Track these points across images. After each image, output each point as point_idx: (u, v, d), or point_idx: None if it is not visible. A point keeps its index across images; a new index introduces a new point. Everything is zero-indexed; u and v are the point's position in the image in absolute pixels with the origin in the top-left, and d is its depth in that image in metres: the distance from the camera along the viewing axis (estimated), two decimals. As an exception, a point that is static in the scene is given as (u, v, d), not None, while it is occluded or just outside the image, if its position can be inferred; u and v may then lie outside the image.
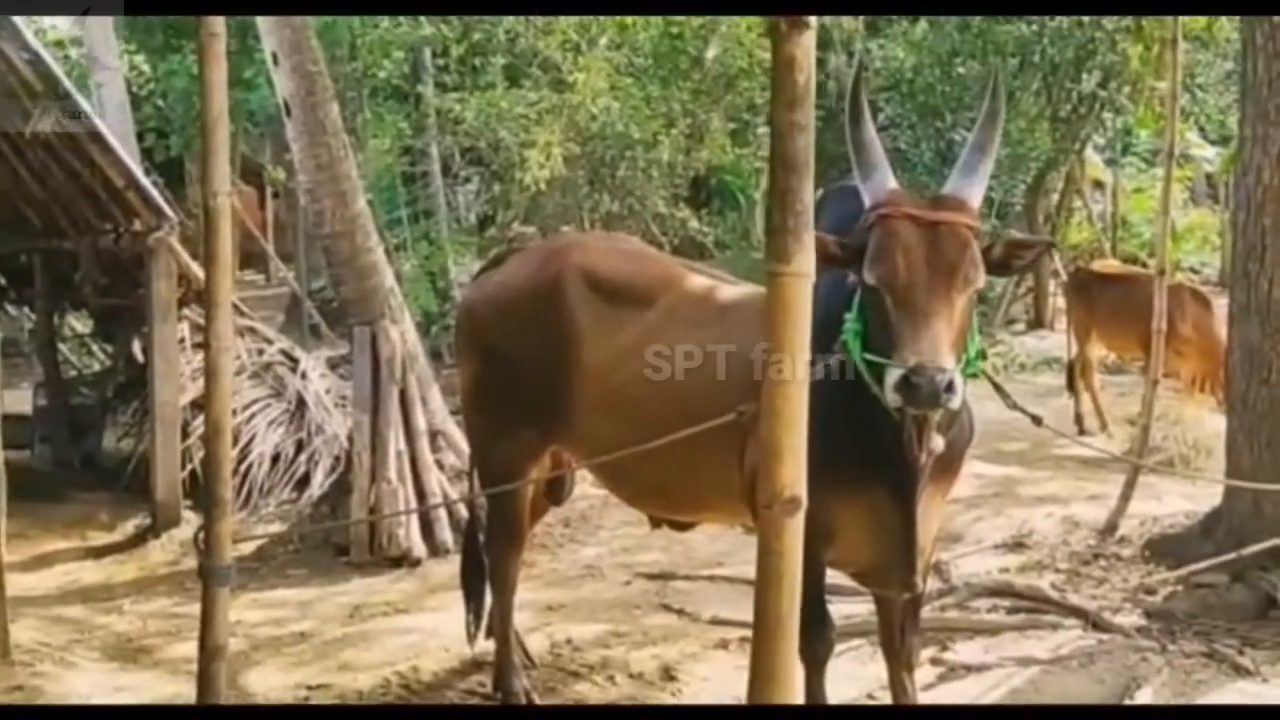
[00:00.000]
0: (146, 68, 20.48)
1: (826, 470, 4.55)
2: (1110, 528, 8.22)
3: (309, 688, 6.16)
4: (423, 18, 14.87)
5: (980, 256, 4.12)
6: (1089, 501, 9.03)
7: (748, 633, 6.48)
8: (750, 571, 7.59)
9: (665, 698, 5.94)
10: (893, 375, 3.90)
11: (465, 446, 8.76)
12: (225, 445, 4.26)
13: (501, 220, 15.34)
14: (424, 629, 6.92)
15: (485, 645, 6.18)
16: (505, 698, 5.77)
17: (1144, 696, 5.70)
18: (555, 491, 6.11)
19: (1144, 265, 14.95)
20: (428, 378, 8.77)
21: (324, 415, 9.71)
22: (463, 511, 8.38)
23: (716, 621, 6.84)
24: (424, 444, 8.46)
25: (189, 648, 6.76)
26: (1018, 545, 8.13)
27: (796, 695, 2.84)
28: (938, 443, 4.26)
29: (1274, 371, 7.08)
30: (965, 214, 4.16)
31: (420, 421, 8.48)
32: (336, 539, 8.27)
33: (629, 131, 13.25)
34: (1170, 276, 9.33)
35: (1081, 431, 10.98)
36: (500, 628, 5.90)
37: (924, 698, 5.26)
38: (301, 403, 9.78)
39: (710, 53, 14.84)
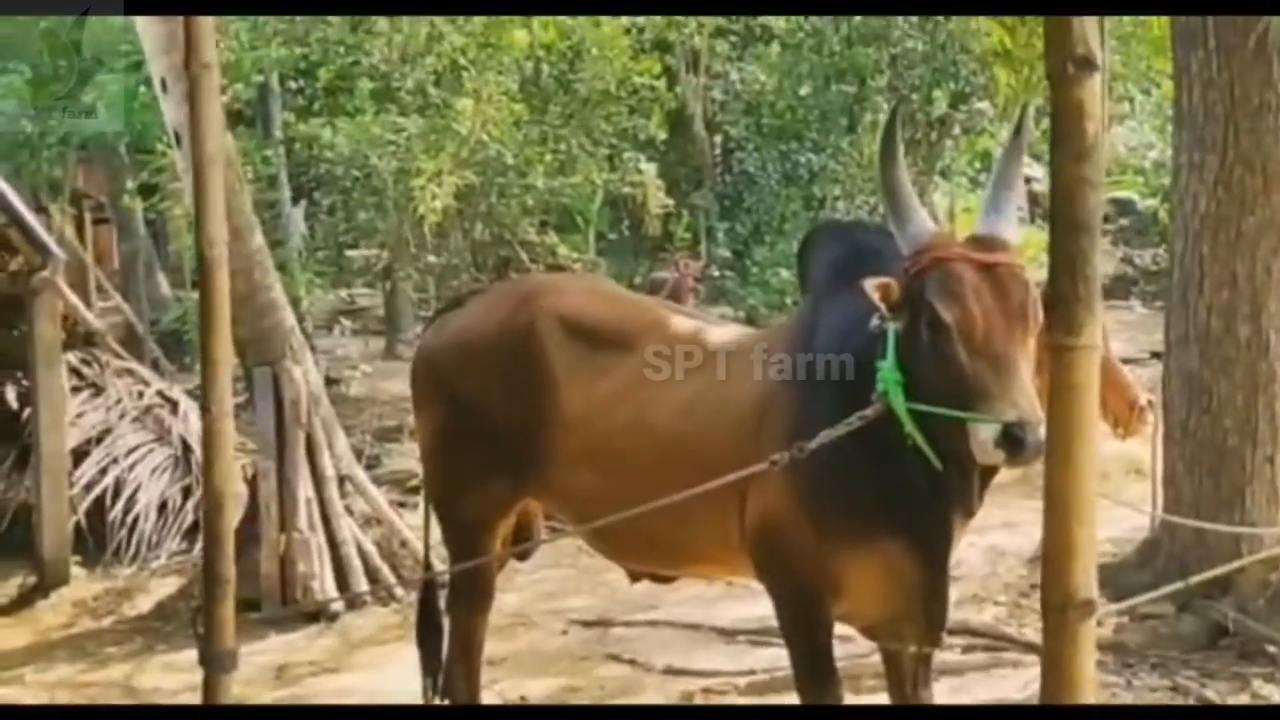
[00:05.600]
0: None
1: (848, 524, 4.41)
2: (1037, 557, 8.13)
3: (255, 762, 5.77)
4: (273, 41, 14.38)
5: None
6: (1006, 529, 8.95)
7: (709, 683, 6.37)
8: (686, 614, 7.44)
9: (645, 758, 5.67)
10: (991, 429, 3.65)
11: (374, 491, 8.44)
12: (228, 520, 3.88)
13: (365, 248, 14.90)
14: (361, 690, 6.55)
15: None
16: (476, 766, 5.44)
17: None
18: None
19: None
20: (333, 420, 8.32)
21: (210, 460, 9.21)
22: (376, 559, 8.05)
23: (672, 671, 6.61)
24: (333, 490, 8.04)
25: (108, 721, 6.36)
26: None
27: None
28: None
29: (1214, 400, 6.99)
30: (1015, 255, 3.98)
31: (328, 466, 8.06)
32: (246, 593, 7.78)
33: (502, 157, 12.91)
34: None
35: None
36: (468, 692, 5.53)
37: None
38: (186, 447, 9.27)
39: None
